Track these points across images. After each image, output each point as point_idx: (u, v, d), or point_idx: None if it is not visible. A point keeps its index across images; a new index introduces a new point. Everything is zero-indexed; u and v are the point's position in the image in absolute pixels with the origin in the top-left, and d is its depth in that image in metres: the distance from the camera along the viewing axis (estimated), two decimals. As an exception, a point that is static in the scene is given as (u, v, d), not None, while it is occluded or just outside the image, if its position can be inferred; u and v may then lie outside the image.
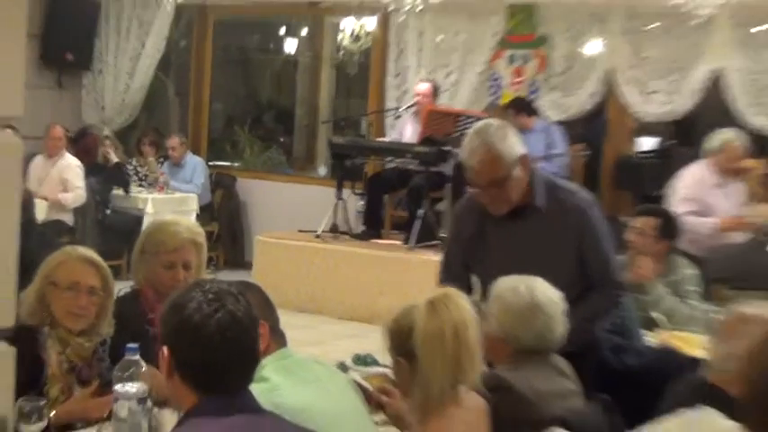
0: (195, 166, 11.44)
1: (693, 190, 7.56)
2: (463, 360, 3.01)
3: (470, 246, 4.32)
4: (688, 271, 5.75)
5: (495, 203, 4.16)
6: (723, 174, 7.63)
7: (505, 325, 3.59)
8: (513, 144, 4.08)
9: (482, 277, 4.24)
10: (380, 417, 3.53)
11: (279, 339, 3.23)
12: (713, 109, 10.01)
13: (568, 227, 4.16)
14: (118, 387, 2.96)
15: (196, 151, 12.03)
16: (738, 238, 7.15)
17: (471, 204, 4.34)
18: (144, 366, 3.08)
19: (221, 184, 11.90)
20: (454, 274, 4.34)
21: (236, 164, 12.84)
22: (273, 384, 2.99)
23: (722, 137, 7.71)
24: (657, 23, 9.80)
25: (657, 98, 9.86)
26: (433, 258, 8.52)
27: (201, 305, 2.45)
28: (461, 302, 3.07)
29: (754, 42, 9.45)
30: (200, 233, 4.17)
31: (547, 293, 3.63)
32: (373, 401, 3.56)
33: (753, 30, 9.46)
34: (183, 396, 2.50)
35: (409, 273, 8.79)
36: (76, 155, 10.36)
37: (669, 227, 5.78)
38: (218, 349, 2.44)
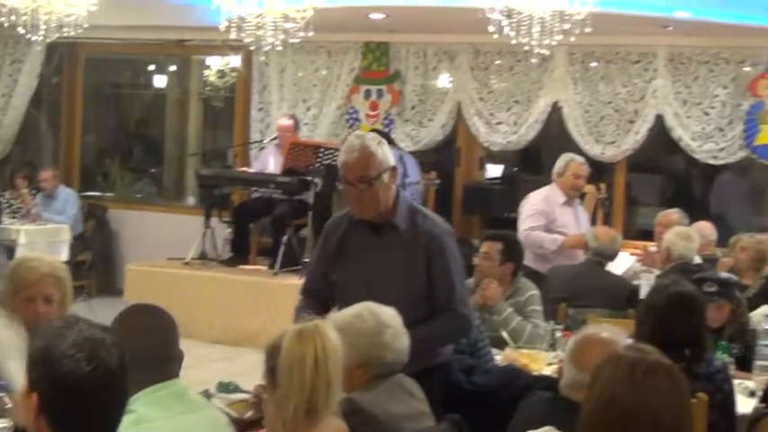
0: (67, 197, 11.21)
1: (540, 207, 7.69)
2: (319, 389, 2.96)
3: (333, 256, 4.33)
4: (532, 292, 5.79)
5: (360, 203, 4.17)
6: (569, 192, 7.76)
7: (363, 349, 3.51)
8: (387, 153, 4.17)
9: (339, 287, 4.27)
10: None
11: (164, 370, 3.11)
12: (556, 138, 10.21)
13: (421, 250, 4.16)
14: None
15: (68, 183, 11.77)
16: (582, 256, 7.24)
17: (341, 219, 4.38)
18: (9, 403, 2.94)
19: (93, 215, 11.67)
20: (311, 286, 4.41)
21: (108, 194, 12.57)
22: (140, 417, 2.91)
23: (565, 158, 7.88)
24: (501, 60, 9.97)
25: (502, 129, 10.01)
26: (297, 282, 8.44)
27: (79, 363, 2.28)
28: (329, 334, 3.03)
29: (588, 77, 9.69)
30: (61, 268, 4.04)
31: (386, 312, 3.60)
32: (240, 428, 3.49)
33: (587, 66, 9.69)
34: None
35: (275, 296, 8.71)
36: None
37: (513, 250, 5.82)
38: (92, 402, 2.31)
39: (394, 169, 4.19)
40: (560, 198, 7.74)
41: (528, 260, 6.90)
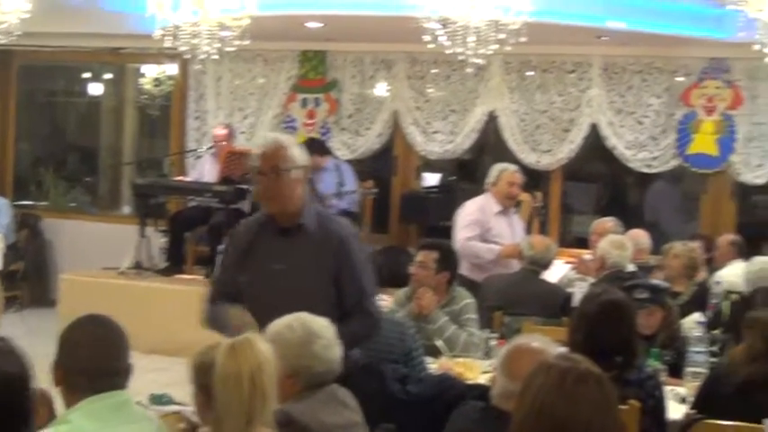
0: (0, 206, 11.02)
1: (476, 216, 7.70)
2: (257, 403, 2.93)
3: (241, 257, 4.36)
4: (467, 300, 5.81)
5: (267, 193, 4.24)
6: (504, 201, 7.78)
7: (292, 359, 3.48)
8: (300, 152, 4.28)
9: (246, 288, 4.27)
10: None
11: (109, 382, 3.07)
12: (492, 147, 10.27)
13: (328, 252, 4.22)
14: None
15: (1, 192, 11.62)
16: (517, 265, 7.27)
17: (251, 222, 4.46)
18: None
19: (26, 224, 11.53)
20: (218, 295, 4.38)
21: (41, 203, 12.39)
22: (73, 428, 2.87)
23: (498, 167, 7.92)
24: (437, 69, 10.00)
25: (439, 137, 10.04)
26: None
27: None
28: (261, 347, 3.00)
29: (524, 87, 9.76)
30: None
31: (318, 322, 3.59)
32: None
33: (523, 75, 9.76)
34: None
35: (211, 306, 8.62)
36: None
37: (448, 259, 5.84)
38: None
39: (306, 170, 4.27)
40: (495, 207, 7.76)
41: (463, 269, 6.91)
